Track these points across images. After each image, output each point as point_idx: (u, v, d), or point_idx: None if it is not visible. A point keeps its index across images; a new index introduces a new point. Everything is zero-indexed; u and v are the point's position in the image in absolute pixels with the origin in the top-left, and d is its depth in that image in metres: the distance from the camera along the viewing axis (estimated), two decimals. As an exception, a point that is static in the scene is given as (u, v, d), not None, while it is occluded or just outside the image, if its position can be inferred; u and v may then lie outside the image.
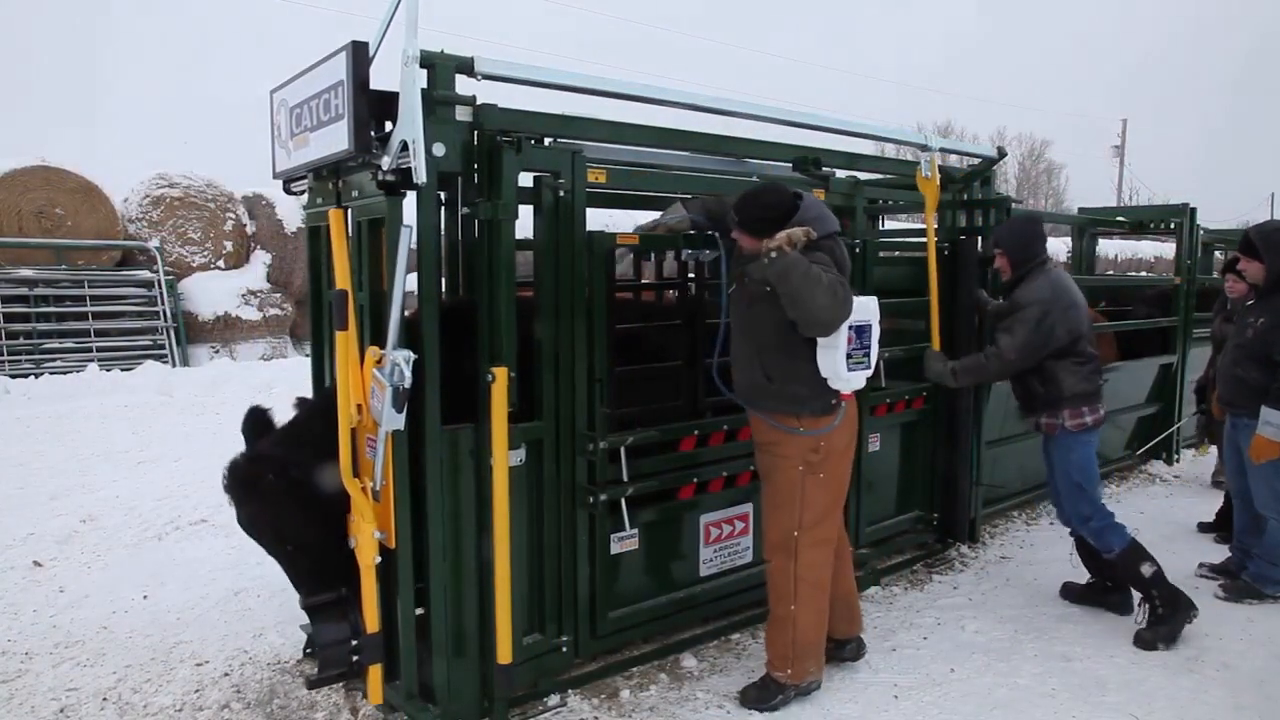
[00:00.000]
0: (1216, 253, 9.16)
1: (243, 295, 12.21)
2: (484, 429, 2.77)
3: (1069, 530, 4.05)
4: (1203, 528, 5.18)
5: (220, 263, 12.42)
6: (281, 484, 2.80)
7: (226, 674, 3.37)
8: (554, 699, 3.14)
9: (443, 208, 3.30)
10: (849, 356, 2.91)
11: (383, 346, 2.56)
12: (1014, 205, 4.82)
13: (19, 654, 3.54)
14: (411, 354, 2.50)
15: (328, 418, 2.74)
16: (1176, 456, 6.81)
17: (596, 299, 3.12)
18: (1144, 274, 18.99)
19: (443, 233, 3.35)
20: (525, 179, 2.96)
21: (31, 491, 5.88)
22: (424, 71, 2.60)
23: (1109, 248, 21.60)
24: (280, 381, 9.87)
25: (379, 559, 2.71)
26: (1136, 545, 3.79)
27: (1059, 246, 16.60)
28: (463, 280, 3.43)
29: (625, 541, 3.31)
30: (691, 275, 3.66)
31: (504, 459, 2.74)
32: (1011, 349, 3.76)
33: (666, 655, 3.49)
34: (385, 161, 2.55)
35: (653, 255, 3.93)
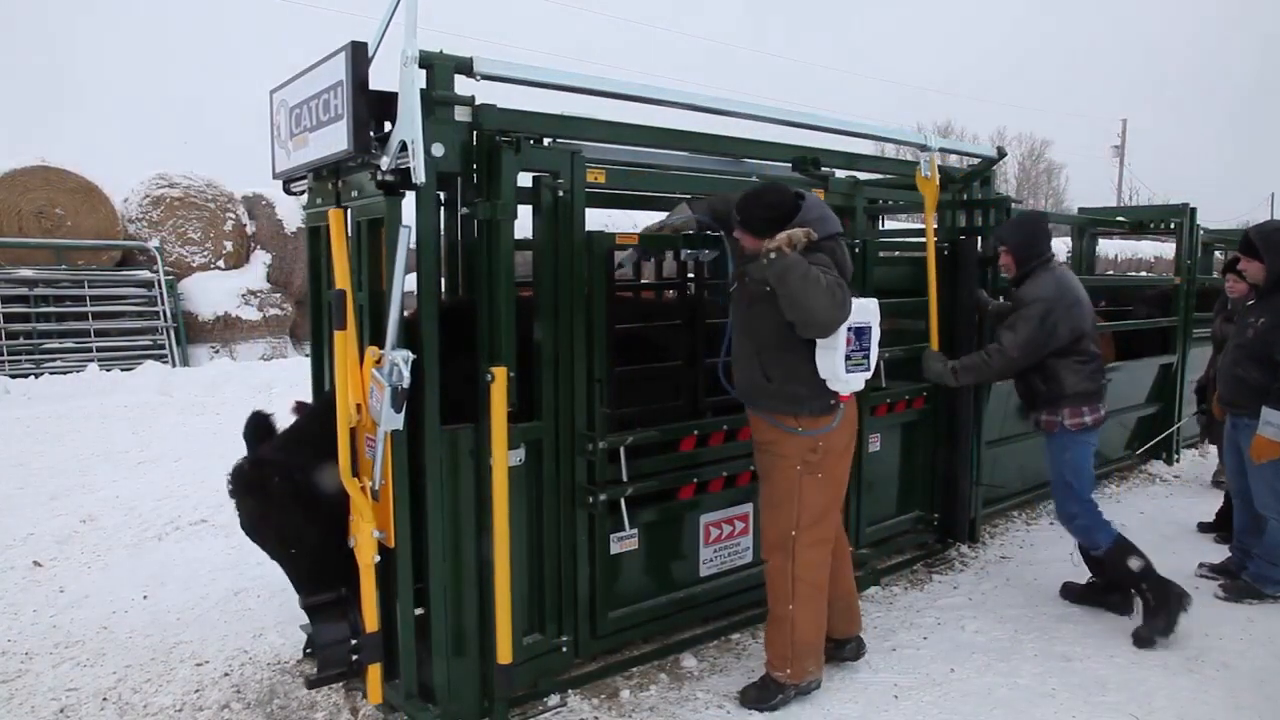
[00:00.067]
0: (1216, 253, 9.16)
1: (243, 295, 12.22)
2: (483, 429, 2.77)
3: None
4: (1203, 528, 5.18)
5: (220, 263, 12.43)
6: (287, 487, 2.81)
7: (226, 674, 3.37)
8: (554, 699, 3.14)
9: (442, 208, 3.30)
10: (848, 358, 2.90)
11: (382, 346, 2.56)
12: (1014, 205, 4.82)
13: (19, 654, 3.54)
14: (410, 354, 2.50)
15: (330, 420, 2.74)
16: (1176, 456, 6.81)
17: (596, 299, 3.12)
18: (1144, 274, 18.98)
19: (442, 233, 3.36)
20: (524, 179, 2.96)
21: (31, 491, 5.89)
22: (423, 72, 2.61)
23: (1109, 248, 21.60)
24: (280, 382, 9.89)
25: (378, 558, 2.71)
26: (1123, 542, 3.80)
27: (1059, 246, 16.57)
28: (462, 280, 3.43)
29: (625, 541, 3.31)
30: (691, 275, 3.66)
31: (503, 459, 2.74)
32: (1014, 346, 3.76)
33: (666, 655, 3.49)
34: (384, 162, 2.55)
35: (652, 256, 3.93)
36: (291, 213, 12.69)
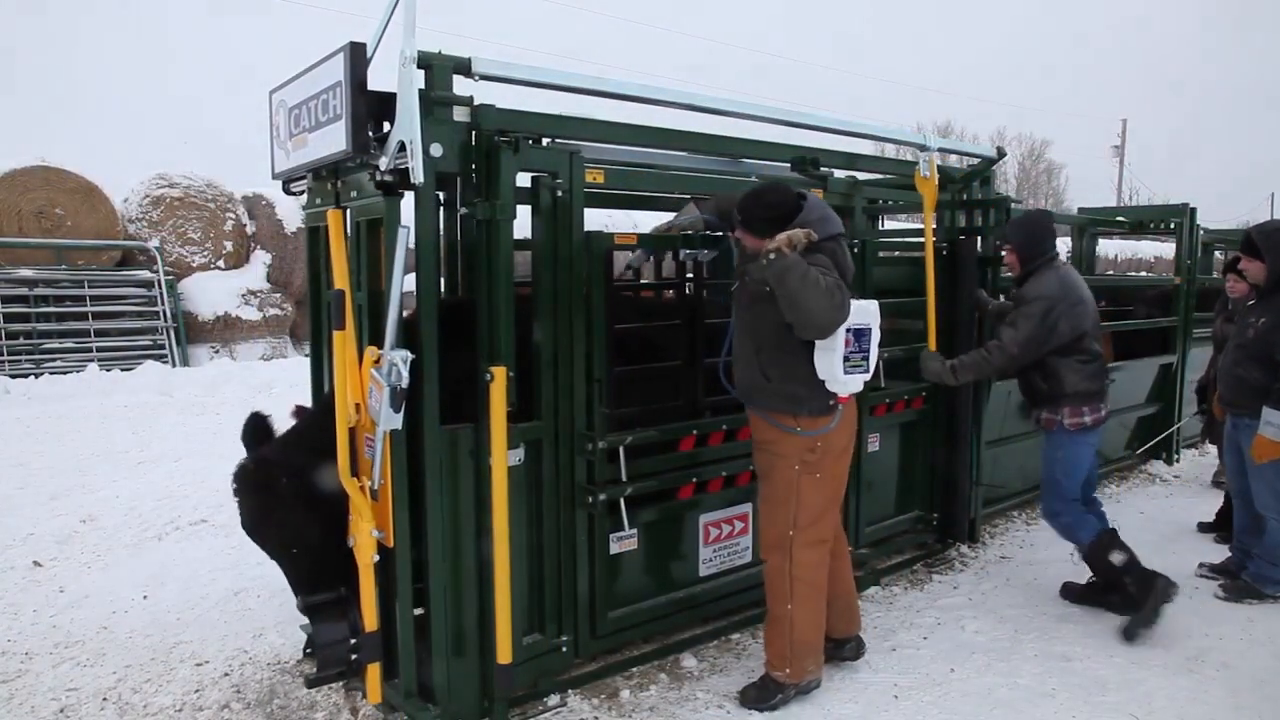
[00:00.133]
0: (1216, 253, 9.16)
1: (243, 295, 12.22)
2: (483, 429, 2.77)
3: None
4: (1203, 528, 5.18)
5: (220, 263, 12.43)
6: (293, 486, 2.82)
7: (226, 674, 3.37)
8: (554, 699, 3.14)
9: (441, 208, 3.30)
10: (846, 359, 2.90)
11: (381, 346, 2.56)
12: (1014, 205, 4.81)
13: (19, 654, 3.54)
14: (409, 354, 2.50)
15: (332, 420, 2.75)
16: (1176, 456, 6.81)
17: (595, 299, 3.12)
18: (1144, 274, 18.98)
19: (441, 233, 3.36)
20: (523, 179, 2.96)
21: (31, 491, 5.89)
22: (421, 72, 2.61)
23: (1109, 248, 21.60)
24: (280, 381, 9.89)
25: (377, 558, 2.71)
26: (1104, 538, 3.82)
27: (1059, 246, 16.57)
28: (461, 280, 3.43)
29: (624, 541, 3.31)
30: (690, 275, 3.66)
31: (503, 459, 2.74)
32: (1014, 342, 3.77)
33: (666, 655, 3.49)
34: (383, 162, 2.55)
35: (651, 256, 3.93)
36: (291, 213, 12.69)
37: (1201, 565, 4.47)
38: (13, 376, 9.77)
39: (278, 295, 12.64)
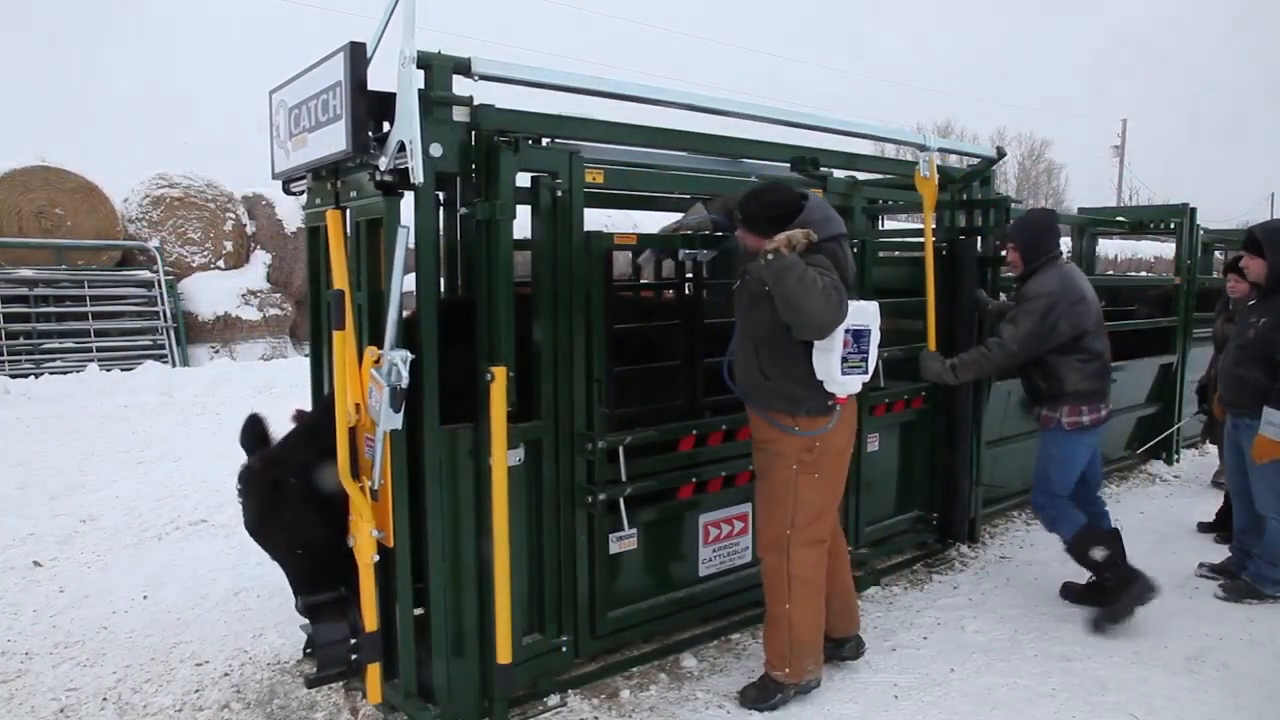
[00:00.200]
0: (1216, 253, 9.16)
1: (243, 295, 12.22)
2: (483, 429, 2.77)
3: None
4: (1203, 528, 5.18)
5: (220, 263, 12.43)
6: (299, 487, 2.82)
7: (226, 674, 3.37)
8: (554, 699, 3.14)
9: (440, 208, 3.30)
10: (844, 360, 2.89)
11: (381, 346, 2.56)
12: (1014, 205, 4.81)
13: (19, 654, 3.54)
14: (408, 354, 2.50)
15: (334, 420, 2.74)
16: (1176, 456, 6.81)
17: (595, 299, 3.12)
18: (1144, 274, 18.99)
19: (441, 233, 3.36)
20: (523, 179, 2.96)
21: (31, 491, 5.89)
22: (421, 72, 2.61)
23: (1109, 248, 21.60)
24: (280, 381, 9.89)
25: (377, 558, 2.71)
26: (1085, 533, 3.84)
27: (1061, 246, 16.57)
28: (461, 280, 3.43)
29: (624, 541, 3.31)
30: (690, 275, 3.66)
31: (503, 459, 2.74)
32: (1014, 339, 3.77)
33: (666, 655, 3.49)
34: (383, 162, 2.55)
35: (660, 255, 3.94)
36: (291, 213, 12.69)
37: (1201, 565, 4.47)
38: (13, 376, 9.77)
39: (278, 295, 12.64)
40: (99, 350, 10.89)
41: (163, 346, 11.28)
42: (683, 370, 3.58)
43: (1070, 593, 4.12)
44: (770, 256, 2.80)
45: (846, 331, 2.88)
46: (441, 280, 3.34)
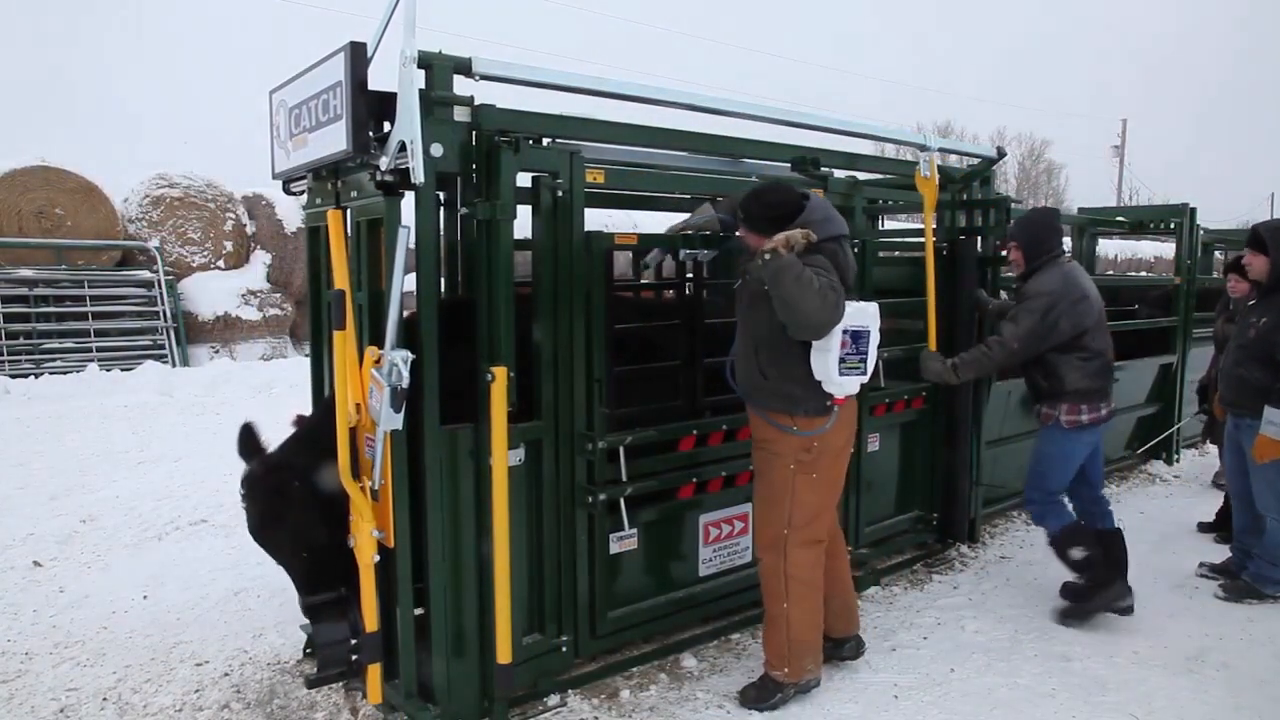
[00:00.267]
0: (1216, 253, 9.16)
1: (243, 295, 12.22)
2: (483, 429, 2.77)
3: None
4: (1203, 528, 5.18)
5: (220, 263, 12.43)
6: (303, 490, 2.82)
7: (226, 674, 3.37)
8: (554, 699, 3.14)
9: (441, 208, 3.30)
10: (842, 361, 2.89)
11: (381, 346, 2.56)
12: (1014, 205, 4.81)
13: (19, 654, 3.54)
14: (409, 354, 2.50)
15: (334, 424, 2.74)
16: (1176, 456, 6.81)
17: (595, 299, 3.12)
18: (1144, 274, 18.99)
19: (441, 233, 3.36)
20: (523, 179, 2.96)
21: (31, 491, 5.89)
22: (422, 72, 2.61)
23: (1109, 248, 21.60)
24: (280, 381, 9.89)
25: (378, 558, 2.71)
26: (1069, 533, 3.86)
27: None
28: (461, 280, 3.43)
29: (624, 541, 3.31)
30: (690, 275, 3.66)
31: (503, 459, 2.74)
32: (1014, 337, 3.78)
33: (666, 655, 3.49)
34: (383, 162, 2.55)
35: (668, 253, 3.94)
36: (291, 213, 12.70)
37: (1202, 564, 4.48)
38: (13, 376, 9.78)
39: (278, 295, 12.64)
40: (99, 350, 10.89)
41: (163, 346, 11.28)
42: (683, 370, 3.58)
43: (1070, 592, 4.11)
44: (767, 256, 2.80)
45: (845, 332, 2.88)
46: (442, 280, 3.34)
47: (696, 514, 3.57)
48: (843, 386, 2.94)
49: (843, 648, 3.38)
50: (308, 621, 3.04)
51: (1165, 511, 5.61)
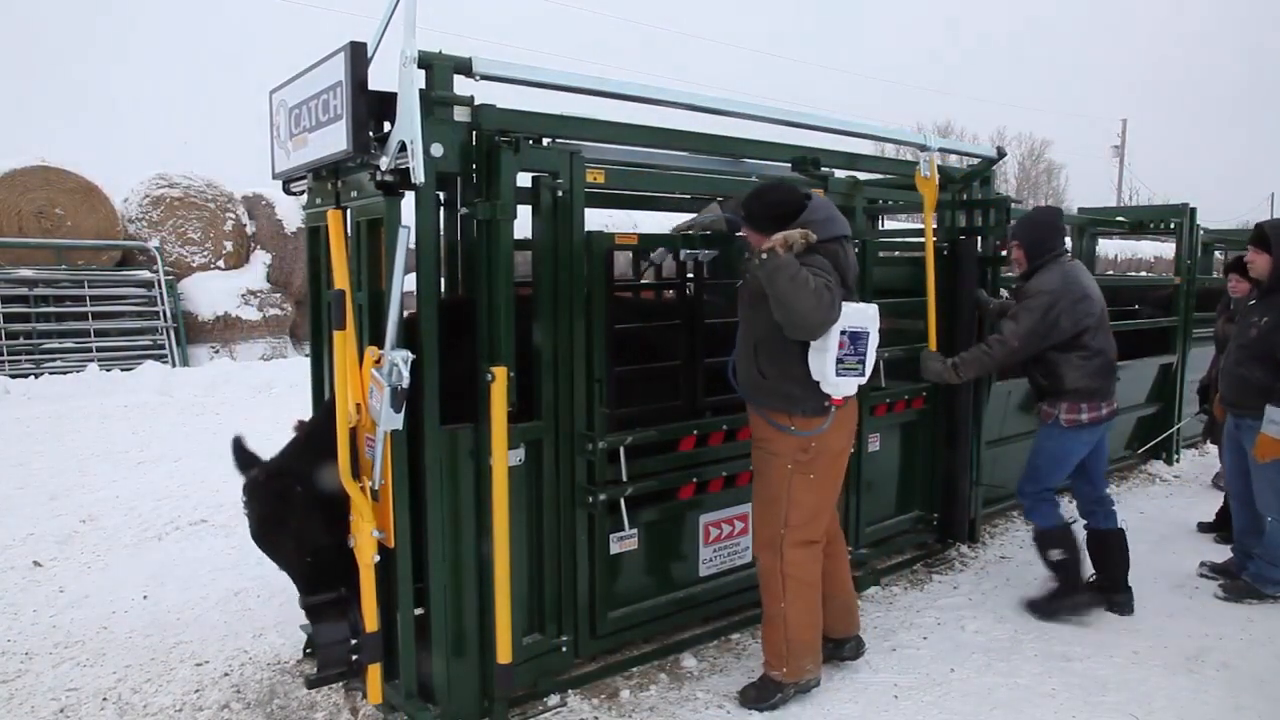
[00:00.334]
0: (1216, 253, 9.15)
1: (243, 295, 12.22)
2: (483, 429, 2.77)
3: (1083, 524, 4.09)
4: (1203, 528, 5.18)
5: (220, 263, 12.43)
6: (306, 495, 2.83)
7: (226, 674, 3.37)
8: (554, 699, 3.14)
9: (441, 208, 3.30)
10: (840, 361, 2.89)
11: (381, 346, 2.56)
12: (1014, 205, 4.81)
13: (19, 654, 3.54)
14: (409, 354, 2.50)
15: (334, 428, 2.74)
16: (1176, 456, 6.81)
17: (595, 299, 3.12)
18: (1143, 274, 18.99)
19: (441, 233, 3.36)
20: (524, 179, 2.96)
21: (31, 491, 5.89)
22: (422, 72, 2.61)
23: (1109, 248, 21.61)
24: (280, 381, 9.90)
25: (378, 558, 2.71)
26: (1056, 532, 3.90)
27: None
28: (461, 280, 3.43)
29: (625, 541, 3.31)
30: (690, 275, 3.66)
31: (503, 459, 2.74)
32: (1014, 335, 3.78)
33: (666, 655, 3.49)
34: (383, 162, 2.55)
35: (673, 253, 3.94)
36: (291, 213, 12.70)
37: (1203, 564, 4.47)
38: (13, 376, 9.78)
39: (278, 295, 12.64)
40: (99, 350, 10.89)
41: (162, 346, 11.29)
42: (683, 370, 3.58)
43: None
44: (764, 256, 2.80)
45: (843, 333, 2.87)
46: (442, 280, 3.34)
47: (697, 514, 3.57)
48: (839, 387, 2.94)
49: (843, 648, 3.38)
50: (308, 621, 3.04)
51: (1165, 511, 5.61)
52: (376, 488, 2.70)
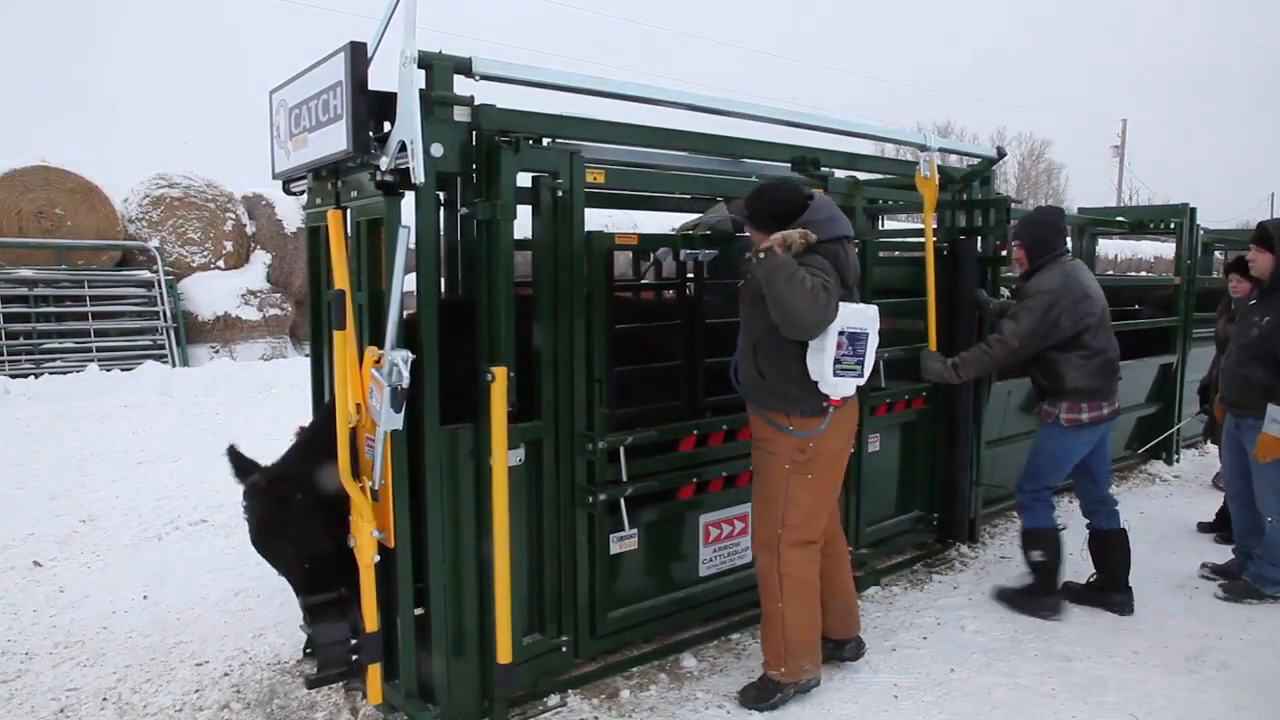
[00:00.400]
0: (1216, 253, 9.15)
1: (243, 295, 12.22)
2: (483, 429, 2.77)
3: (1086, 524, 4.10)
4: (1203, 528, 5.18)
5: (220, 263, 12.43)
6: (307, 500, 2.83)
7: (226, 674, 3.37)
8: (554, 699, 3.14)
9: (441, 208, 3.30)
10: (838, 362, 2.88)
11: (381, 346, 2.56)
12: (1014, 205, 4.81)
13: (19, 654, 3.54)
14: (409, 354, 2.50)
15: (334, 432, 2.74)
16: (1176, 456, 6.81)
17: (595, 299, 3.12)
18: (1143, 274, 18.99)
19: (441, 233, 3.36)
20: (523, 179, 2.96)
21: (31, 491, 5.89)
22: (422, 72, 2.61)
23: (1109, 248, 21.61)
24: (280, 381, 9.89)
25: (378, 558, 2.71)
26: (1043, 535, 3.93)
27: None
28: (461, 280, 3.43)
29: (625, 541, 3.31)
30: (690, 275, 3.66)
31: (503, 459, 2.74)
32: (1015, 335, 3.78)
33: (666, 655, 3.49)
34: (383, 162, 2.55)
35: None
36: (291, 213, 12.69)
37: (1204, 565, 4.47)
38: (13, 376, 9.77)
39: (278, 295, 12.64)
40: (99, 350, 10.89)
41: (162, 347, 11.29)
42: (683, 370, 3.58)
43: (1070, 593, 4.11)
44: (762, 255, 2.80)
45: (841, 334, 2.87)
46: (442, 280, 3.34)
47: (697, 514, 3.57)
48: (837, 388, 2.94)
49: (843, 649, 3.38)
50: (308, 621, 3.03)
51: (1165, 511, 5.61)
52: (376, 488, 2.70)
